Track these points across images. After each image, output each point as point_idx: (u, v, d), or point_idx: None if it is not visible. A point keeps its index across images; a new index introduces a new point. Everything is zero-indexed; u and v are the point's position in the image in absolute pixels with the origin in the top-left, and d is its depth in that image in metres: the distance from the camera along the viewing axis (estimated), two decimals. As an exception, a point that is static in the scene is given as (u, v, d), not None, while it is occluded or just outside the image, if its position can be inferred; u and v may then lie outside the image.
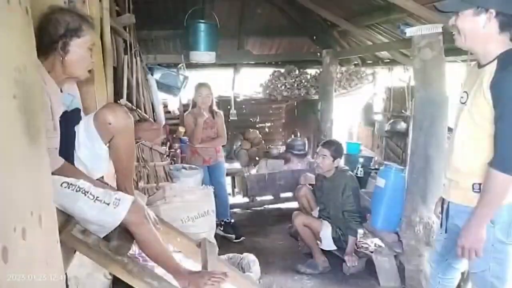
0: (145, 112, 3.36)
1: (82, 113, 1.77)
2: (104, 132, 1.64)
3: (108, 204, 1.57)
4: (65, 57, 1.53)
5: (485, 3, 1.50)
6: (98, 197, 1.57)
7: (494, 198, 1.53)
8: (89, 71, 1.69)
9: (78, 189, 1.55)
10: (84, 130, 1.64)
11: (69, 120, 1.64)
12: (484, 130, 1.56)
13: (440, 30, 2.43)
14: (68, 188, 1.54)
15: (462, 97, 1.69)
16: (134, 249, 2.16)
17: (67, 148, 1.60)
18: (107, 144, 1.69)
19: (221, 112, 3.92)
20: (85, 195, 1.55)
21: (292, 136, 5.67)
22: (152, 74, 4.08)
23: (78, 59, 1.57)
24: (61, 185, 1.51)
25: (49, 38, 1.51)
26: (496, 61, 1.52)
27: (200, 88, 3.74)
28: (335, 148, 3.26)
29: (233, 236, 3.80)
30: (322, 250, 3.25)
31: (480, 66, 1.62)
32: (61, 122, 1.56)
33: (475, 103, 1.57)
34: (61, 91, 1.64)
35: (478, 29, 1.53)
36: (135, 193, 1.91)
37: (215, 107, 3.85)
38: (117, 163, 1.78)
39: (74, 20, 1.54)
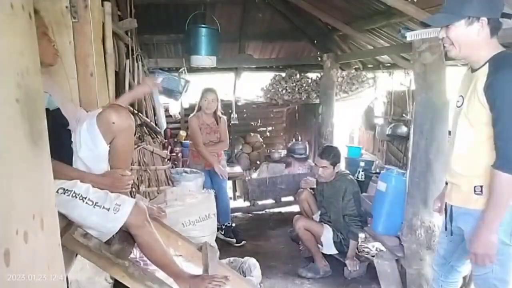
0: (147, 116, 3.37)
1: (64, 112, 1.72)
2: (107, 131, 1.64)
3: (108, 209, 1.56)
4: None
5: (475, 13, 1.52)
6: (97, 202, 1.56)
7: (501, 200, 1.52)
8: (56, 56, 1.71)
9: (74, 195, 1.54)
10: (87, 130, 1.64)
11: (56, 119, 1.62)
12: (482, 133, 1.57)
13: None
14: (64, 194, 1.53)
15: (458, 101, 1.71)
16: (135, 253, 2.16)
17: (59, 149, 1.57)
18: (108, 145, 1.69)
19: (225, 118, 3.94)
20: (83, 201, 1.54)
21: (293, 140, 5.68)
22: (153, 78, 4.09)
23: None
24: (57, 191, 1.50)
25: None
26: (487, 65, 1.55)
27: (206, 93, 3.79)
28: (333, 155, 3.26)
29: (234, 240, 3.81)
30: (323, 254, 3.24)
31: (473, 70, 1.64)
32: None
33: (470, 107, 1.59)
34: None
35: (473, 38, 1.56)
36: (137, 196, 1.91)
37: (219, 113, 3.87)
38: (115, 164, 1.78)
39: None
